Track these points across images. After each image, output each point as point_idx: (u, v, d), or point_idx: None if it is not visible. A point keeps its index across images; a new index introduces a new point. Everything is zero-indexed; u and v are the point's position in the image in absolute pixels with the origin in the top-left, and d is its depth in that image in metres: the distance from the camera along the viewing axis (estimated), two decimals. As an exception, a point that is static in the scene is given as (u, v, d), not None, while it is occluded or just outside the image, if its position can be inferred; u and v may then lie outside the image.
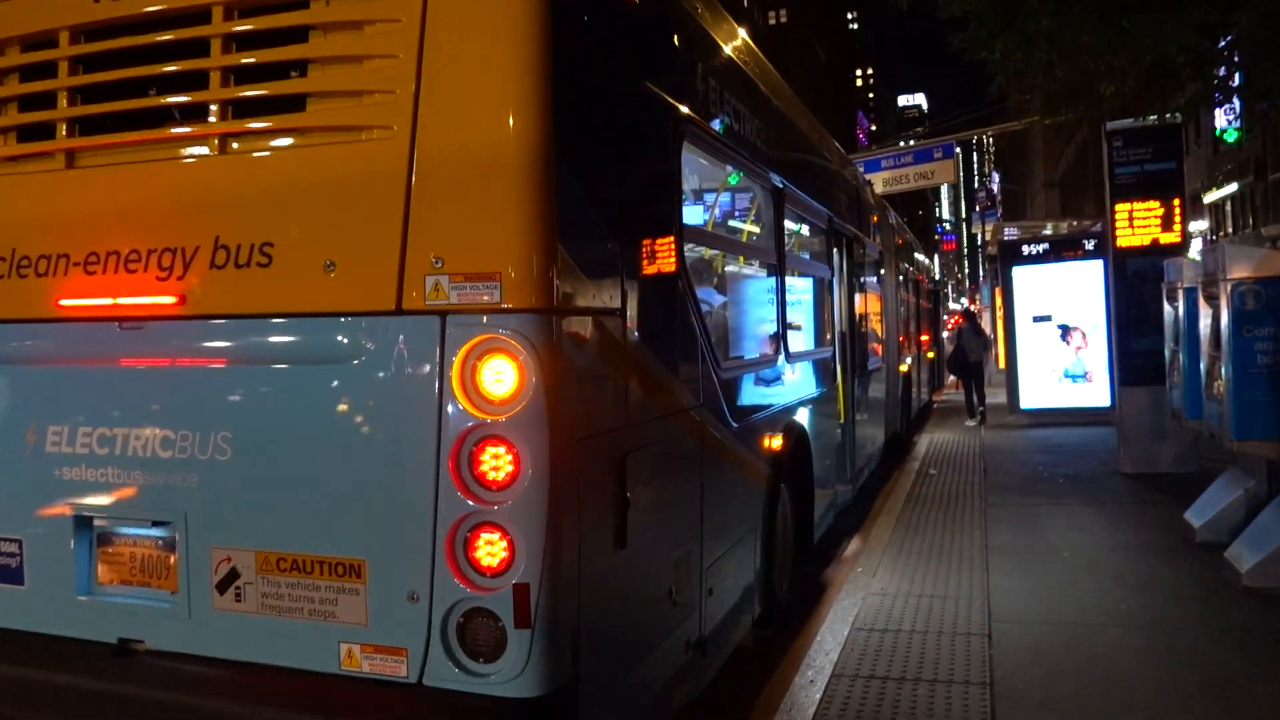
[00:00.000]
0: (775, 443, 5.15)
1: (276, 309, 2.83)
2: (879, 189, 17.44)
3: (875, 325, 9.64)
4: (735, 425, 4.35)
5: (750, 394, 4.83)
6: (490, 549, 2.62)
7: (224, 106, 2.94)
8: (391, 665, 2.70)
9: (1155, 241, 9.24)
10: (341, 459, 2.76)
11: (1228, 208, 30.44)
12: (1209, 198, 30.61)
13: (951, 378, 17.75)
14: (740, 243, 5.68)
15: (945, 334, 21.40)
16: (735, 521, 4.48)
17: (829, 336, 7.16)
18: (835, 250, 7.31)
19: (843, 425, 7.73)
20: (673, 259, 3.63)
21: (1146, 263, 9.12)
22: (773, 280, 5.40)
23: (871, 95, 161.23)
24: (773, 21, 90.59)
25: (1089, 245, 13.72)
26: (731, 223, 5.91)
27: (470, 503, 2.62)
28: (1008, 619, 5.13)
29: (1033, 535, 6.98)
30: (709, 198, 5.33)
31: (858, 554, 6.85)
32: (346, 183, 2.78)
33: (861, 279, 8.63)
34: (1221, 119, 25.98)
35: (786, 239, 5.69)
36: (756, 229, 5.72)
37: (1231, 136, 26.84)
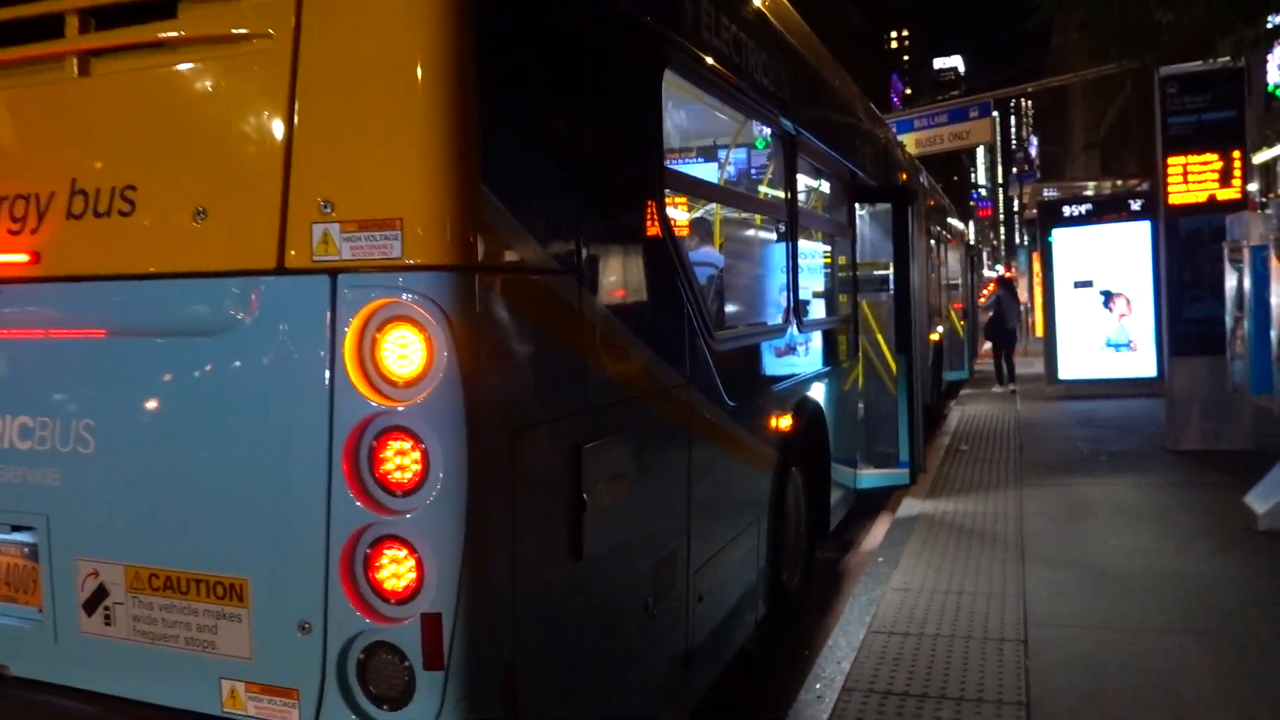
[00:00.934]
0: (784, 421, 4.57)
1: (139, 268, 2.30)
2: (911, 151, 16.62)
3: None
4: (733, 404, 3.78)
5: (753, 368, 4.24)
6: (395, 569, 2.08)
7: (84, 16, 2.39)
8: (281, 710, 2.18)
9: (1212, 198, 8.45)
10: (217, 455, 2.23)
11: (1279, 169, 29.08)
12: (1259, 158, 29.19)
13: (986, 345, 17.05)
14: (743, 195, 5.03)
15: (981, 302, 20.56)
16: (734, 514, 3.92)
17: (849, 303, 6.53)
18: (858, 209, 6.65)
19: (864, 399, 7.14)
20: (652, 210, 3.04)
21: (1202, 221, 8.36)
22: (783, 240, 4.78)
23: (906, 58, 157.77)
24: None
25: (1135, 206, 12.88)
26: (733, 173, 5.29)
27: (370, 511, 2.08)
28: (1047, 622, 4.53)
29: (1074, 522, 6.35)
30: (704, 142, 4.72)
31: (879, 541, 6.27)
32: (219, 107, 2.22)
33: (888, 241, 7.96)
34: (1275, 72, 24.67)
35: (801, 194, 5.07)
36: (764, 181, 5.10)
37: (1285, 93, 25.54)
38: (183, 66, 2.28)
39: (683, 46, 3.31)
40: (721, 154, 5.55)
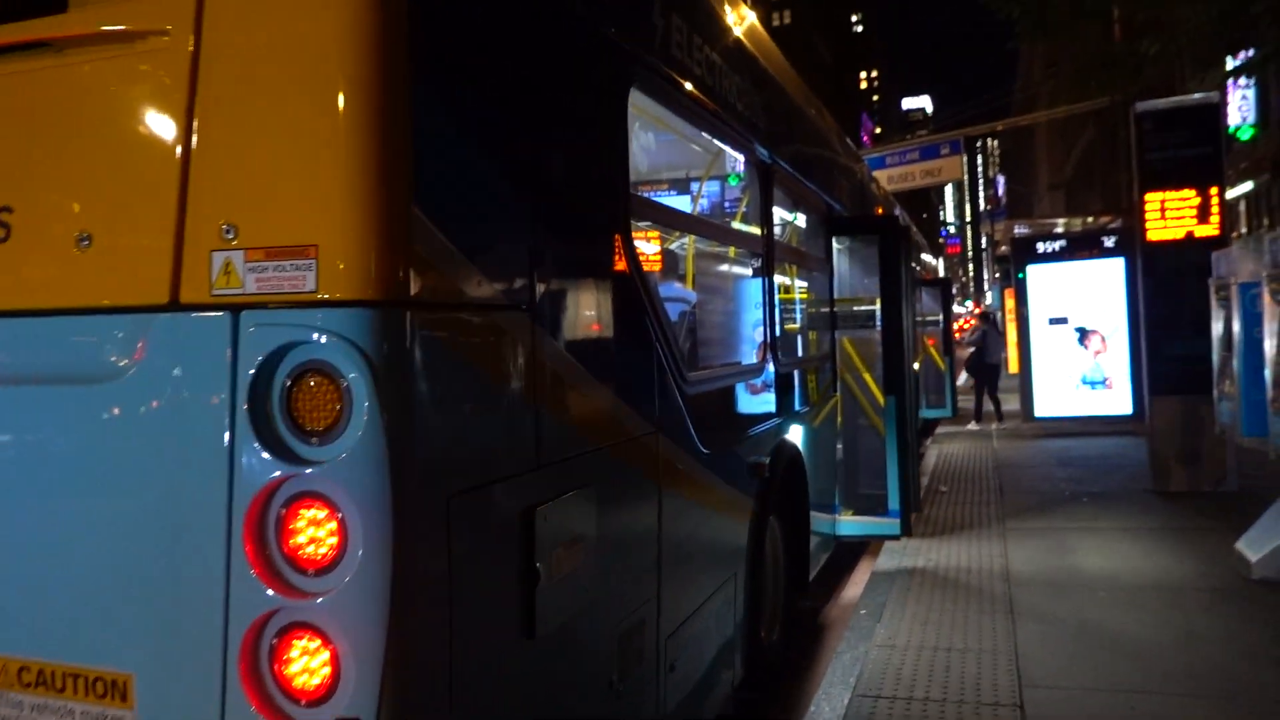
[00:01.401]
0: (763, 466, 4.26)
1: (11, 303, 1.96)
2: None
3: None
4: (708, 451, 3.47)
5: (728, 411, 3.94)
6: (307, 663, 1.74)
7: (-39, 13, 2.07)
8: (169, 833, 1.82)
9: (1190, 235, 8.33)
10: (97, 525, 1.88)
11: (1241, 207, 29.53)
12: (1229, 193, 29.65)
13: (962, 379, 16.93)
14: (717, 227, 4.76)
15: (958, 335, 20.46)
16: (710, 571, 3.60)
17: (826, 339, 6.27)
18: (835, 244, 6.41)
19: (843, 440, 6.85)
20: (617, 241, 2.75)
21: (1180, 258, 8.23)
22: (759, 275, 4.51)
23: (876, 98, 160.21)
24: (776, 23, 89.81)
25: (1108, 243, 12.81)
26: (706, 205, 5.03)
27: (276, 593, 1.74)
28: (1042, 683, 4.23)
29: (1062, 570, 6.08)
30: (675, 173, 4.46)
31: (860, 590, 5.96)
32: (108, 116, 1.91)
33: (865, 276, 7.73)
34: (1236, 115, 25.10)
35: (777, 227, 4.82)
36: (738, 215, 4.84)
37: (1246, 134, 25.97)
38: (68, 69, 1.97)
39: (651, 65, 3.04)
40: (694, 185, 5.30)
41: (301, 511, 1.73)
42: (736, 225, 4.85)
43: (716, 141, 3.96)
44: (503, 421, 2.08)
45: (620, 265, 2.76)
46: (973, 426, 14.07)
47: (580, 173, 2.56)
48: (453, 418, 1.89)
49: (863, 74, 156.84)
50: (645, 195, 3.14)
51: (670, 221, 3.41)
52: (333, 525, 1.71)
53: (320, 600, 1.72)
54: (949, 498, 8.81)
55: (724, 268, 4.51)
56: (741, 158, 4.43)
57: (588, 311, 2.55)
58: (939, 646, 4.74)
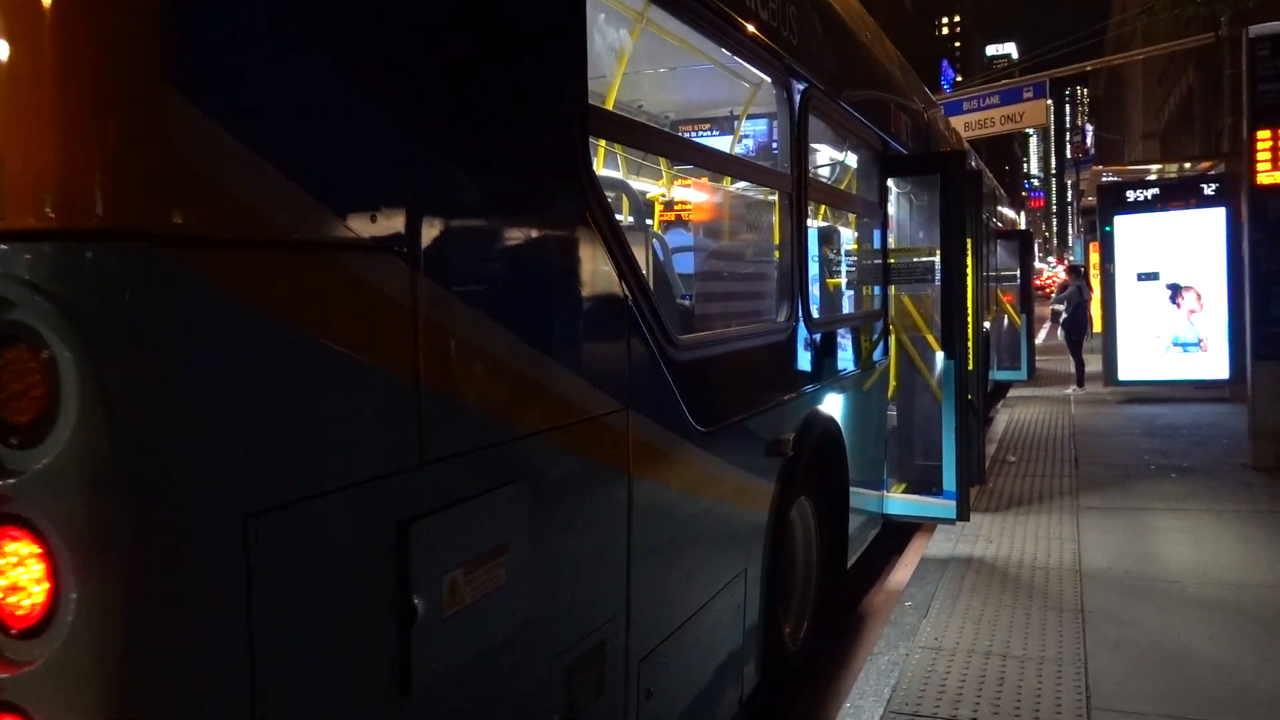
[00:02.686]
0: (785, 444, 3.64)
1: None
2: (960, 135, 15.43)
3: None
4: (705, 429, 2.87)
5: (737, 380, 3.32)
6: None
7: None
8: None
9: (1307, 179, 7.31)
10: None
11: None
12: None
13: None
14: (724, 158, 4.02)
15: (1048, 293, 19.25)
16: (707, 572, 3.01)
17: (878, 295, 5.56)
18: (887, 182, 5.65)
19: (898, 406, 6.17)
20: (564, 162, 2.14)
21: (1296, 205, 7.23)
22: (788, 218, 3.84)
23: (958, 44, 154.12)
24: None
25: (1208, 190, 11.64)
26: (707, 124, 4.34)
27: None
28: (1115, 705, 3.56)
29: (1145, 560, 5.32)
30: (668, 79, 3.78)
31: (907, 578, 5.31)
32: None
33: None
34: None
35: (812, 160, 4.12)
36: (756, 141, 4.15)
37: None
38: None
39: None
40: (704, 96, 4.61)
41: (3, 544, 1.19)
42: (758, 160, 4.16)
43: (725, 50, 3.26)
44: (351, 407, 1.51)
45: (569, 195, 2.14)
46: (1073, 390, 12.98)
47: (506, 59, 1.93)
48: (247, 404, 1.31)
49: (944, 19, 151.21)
50: (621, 113, 2.50)
51: (658, 147, 2.76)
52: (39, 568, 1.17)
53: (28, 672, 1.18)
54: (1017, 469, 8.04)
55: (740, 208, 3.84)
56: (766, 78, 3.73)
57: (515, 255, 1.95)
58: (992, 652, 4.09)
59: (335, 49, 1.48)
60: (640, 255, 3.32)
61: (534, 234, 2.02)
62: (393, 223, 1.59)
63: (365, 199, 1.54)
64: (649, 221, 4.62)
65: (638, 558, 2.46)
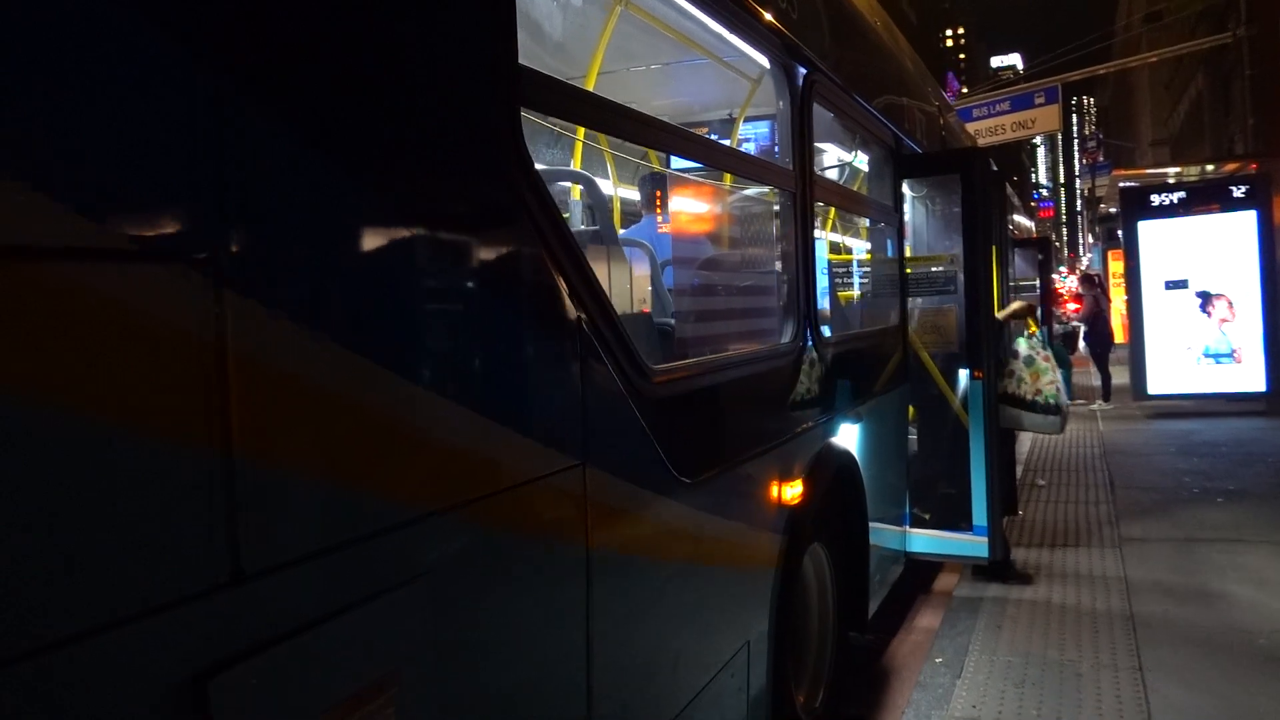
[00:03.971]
0: (792, 487, 3.08)
1: None
2: (970, 140, 14.88)
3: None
4: (690, 479, 2.31)
5: (732, 415, 2.75)
6: None
7: None
8: None
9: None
10: None
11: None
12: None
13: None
14: (710, 144, 3.44)
15: (1074, 310, 18.65)
16: (697, 657, 2.44)
17: (895, 308, 5.00)
18: (902, 185, 5.10)
19: (919, 427, 5.59)
20: (485, 136, 1.60)
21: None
22: (791, 222, 3.29)
23: (962, 56, 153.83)
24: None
25: (1237, 192, 11.05)
26: (703, 128, 3.80)
27: None
28: (1197, 797, 2.97)
29: (1205, 604, 4.71)
30: (655, 78, 3.25)
31: (935, 625, 4.72)
32: None
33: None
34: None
35: (818, 155, 3.57)
36: (759, 145, 3.61)
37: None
38: None
39: None
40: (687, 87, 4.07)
41: None
42: (751, 144, 3.61)
43: (715, 28, 2.72)
44: (110, 498, 0.95)
45: (492, 187, 1.60)
46: (1100, 405, 12.37)
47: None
48: None
49: (948, 31, 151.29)
50: (570, 82, 1.94)
51: (625, 129, 2.21)
52: None
53: None
54: (1048, 494, 7.44)
55: (734, 209, 3.28)
56: (765, 66, 3.20)
57: (402, 265, 1.40)
58: (1040, 718, 3.50)
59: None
60: (608, 267, 2.78)
61: (435, 236, 1.48)
62: (183, 221, 1.05)
63: (139, 179, 0.99)
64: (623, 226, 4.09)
65: (602, 656, 1.89)
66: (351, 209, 1.30)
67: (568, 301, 1.77)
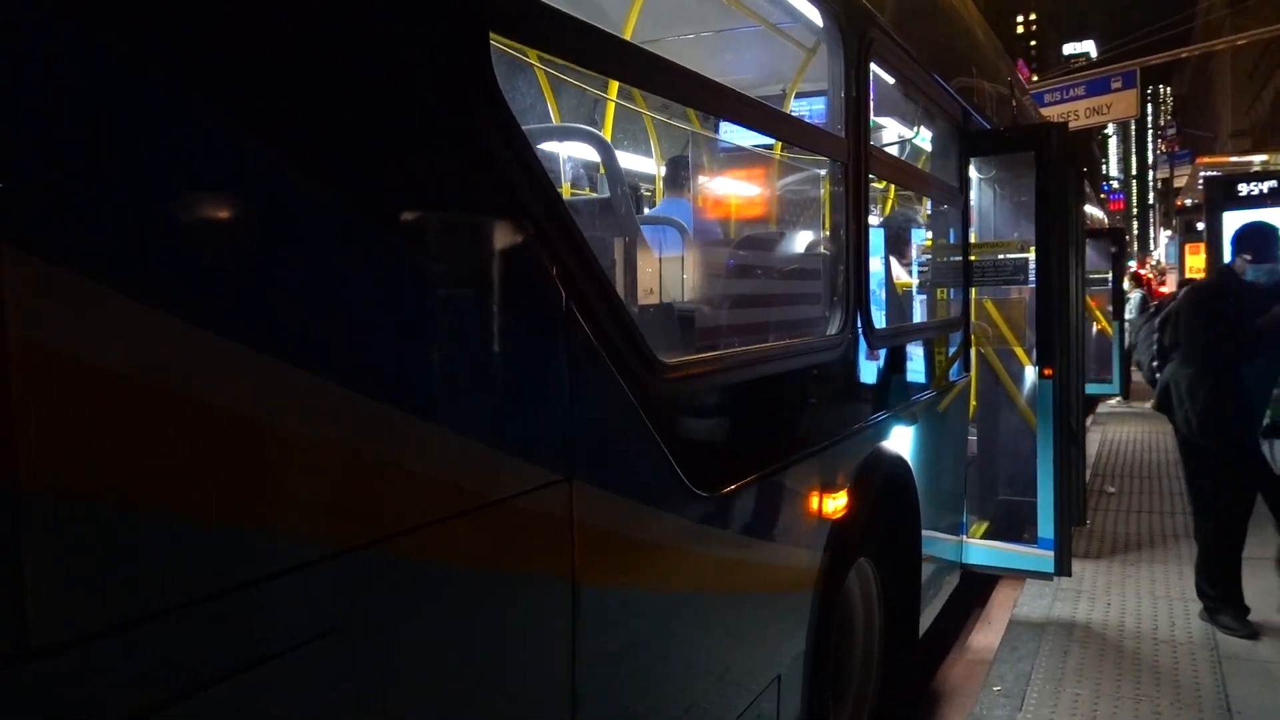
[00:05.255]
0: (836, 498, 2.71)
1: None
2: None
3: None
4: (708, 492, 1.96)
5: (763, 417, 2.39)
6: None
7: None
8: None
9: None
10: None
11: None
12: None
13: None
14: (743, 99, 3.03)
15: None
16: (716, 702, 2.10)
17: (957, 299, 4.58)
18: (969, 165, 4.66)
19: (979, 428, 5.17)
20: (433, 70, 1.26)
21: None
22: (842, 192, 2.91)
23: (1034, 43, 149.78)
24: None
25: (1335, 183, 10.27)
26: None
27: None
28: None
29: (1300, 633, 4.23)
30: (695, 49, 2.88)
31: (993, 645, 4.31)
32: None
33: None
34: None
35: (874, 125, 3.18)
36: (806, 109, 3.23)
37: None
38: None
39: None
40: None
41: None
42: (798, 109, 3.22)
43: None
44: None
45: (444, 134, 1.27)
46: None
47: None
48: None
49: (1019, 18, 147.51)
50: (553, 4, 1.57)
51: (628, 71, 1.83)
52: None
53: None
54: (1118, 502, 6.94)
55: (769, 182, 2.90)
56: (817, 13, 2.81)
57: (307, 218, 1.07)
58: (1115, 772, 3.09)
59: None
60: (622, 244, 2.43)
61: (369, 186, 1.15)
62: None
63: None
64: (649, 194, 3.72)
65: (585, 708, 1.56)
66: (242, 148, 0.98)
67: (548, 277, 1.44)
